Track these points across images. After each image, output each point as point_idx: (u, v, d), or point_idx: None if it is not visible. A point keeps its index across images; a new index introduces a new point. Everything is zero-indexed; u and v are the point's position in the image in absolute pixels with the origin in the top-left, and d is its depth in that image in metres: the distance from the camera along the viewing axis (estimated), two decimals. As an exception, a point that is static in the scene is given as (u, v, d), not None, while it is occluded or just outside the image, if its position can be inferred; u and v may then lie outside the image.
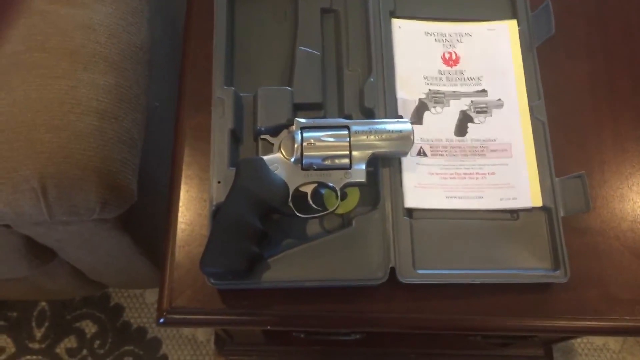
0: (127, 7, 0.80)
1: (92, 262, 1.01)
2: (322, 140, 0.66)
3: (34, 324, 1.37)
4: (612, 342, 1.39)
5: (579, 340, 1.37)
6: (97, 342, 1.36)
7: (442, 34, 0.78)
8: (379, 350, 1.10)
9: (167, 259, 0.69)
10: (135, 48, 0.79)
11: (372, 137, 0.67)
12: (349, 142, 0.66)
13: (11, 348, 1.34)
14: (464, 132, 0.74)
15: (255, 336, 1.05)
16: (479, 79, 0.77)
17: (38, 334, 1.36)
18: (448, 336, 1.05)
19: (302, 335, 0.90)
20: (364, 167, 0.67)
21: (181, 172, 0.73)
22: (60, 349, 1.35)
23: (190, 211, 0.71)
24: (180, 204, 0.72)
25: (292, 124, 0.68)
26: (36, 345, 1.35)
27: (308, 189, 0.67)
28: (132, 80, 0.77)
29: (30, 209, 0.70)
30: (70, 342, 1.36)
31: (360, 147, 0.67)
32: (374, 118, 0.71)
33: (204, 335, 1.37)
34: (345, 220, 0.70)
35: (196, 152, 0.74)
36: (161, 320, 0.68)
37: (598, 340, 1.39)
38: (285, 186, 0.66)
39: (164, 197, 0.73)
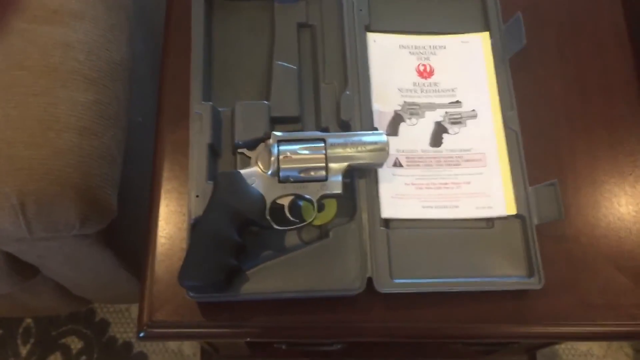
0: (106, 24, 0.80)
1: (76, 277, 1.01)
2: (299, 153, 0.67)
3: (19, 340, 1.36)
4: (597, 347, 1.40)
5: (562, 346, 1.38)
6: (83, 357, 1.36)
7: (416, 47, 0.80)
8: (363, 359, 1.10)
9: (146, 273, 0.70)
10: (115, 65, 0.80)
11: (348, 149, 0.68)
12: (325, 154, 0.67)
13: (-4, 366, 1.34)
14: (439, 142, 0.75)
15: (240, 348, 1.05)
16: (453, 90, 0.78)
17: (24, 350, 1.36)
18: (431, 344, 1.06)
19: (283, 347, 0.90)
20: (340, 178, 0.68)
21: (161, 186, 0.74)
22: (46, 366, 1.35)
23: (170, 225, 0.72)
24: (160, 218, 0.72)
25: (270, 138, 0.69)
26: (22, 363, 1.34)
27: (285, 202, 0.68)
28: (111, 96, 0.77)
29: (9, 225, 0.70)
30: (56, 358, 1.35)
31: (337, 159, 0.68)
32: (350, 130, 0.72)
33: (190, 348, 1.37)
34: (323, 232, 0.71)
35: (176, 167, 0.74)
36: (141, 334, 0.68)
37: (582, 346, 1.40)
38: (262, 199, 0.67)
39: (147, 212, 0.74)
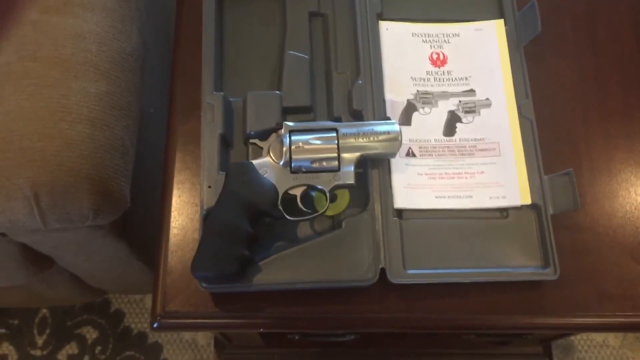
0: (118, 15, 0.80)
1: (90, 268, 1.02)
2: (311, 143, 0.67)
3: (35, 331, 1.38)
4: (612, 338, 1.39)
5: (578, 336, 1.37)
6: (98, 348, 1.37)
7: (429, 35, 0.79)
8: (376, 350, 1.10)
9: (160, 264, 0.70)
10: (126, 55, 0.79)
11: (360, 139, 0.67)
12: (337, 144, 0.67)
13: (13, 355, 1.35)
14: (452, 132, 0.75)
15: (253, 339, 1.05)
16: (466, 78, 0.77)
17: (40, 340, 1.37)
18: (444, 335, 1.05)
19: (296, 337, 0.90)
20: (352, 169, 0.67)
21: (173, 177, 0.74)
22: (61, 356, 1.36)
23: (182, 216, 0.72)
24: (173, 209, 0.72)
25: (281, 128, 0.69)
26: (38, 352, 1.36)
27: (297, 192, 0.67)
28: (123, 87, 0.77)
29: (24, 217, 0.70)
30: (72, 348, 1.37)
31: (349, 149, 0.67)
32: (362, 120, 0.72)
33: (204, 339, 1.37)
34: (336, 222, 0.70)
35: (188, 157, 0.74)
36: (155, 325, 0.68)
37: (598, 337, 1.39)
38: (274, 189, 0.67)
39: (159, 202, 0.74)
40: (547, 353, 1.18)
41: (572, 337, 1.37)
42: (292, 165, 0.67)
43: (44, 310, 1.39)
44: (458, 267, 0.68)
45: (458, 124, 0.75)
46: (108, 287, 1.21)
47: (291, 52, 0.76)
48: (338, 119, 0.73)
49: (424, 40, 0.79)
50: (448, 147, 0.74)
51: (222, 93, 0.72)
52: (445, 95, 0.76)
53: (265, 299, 0.68)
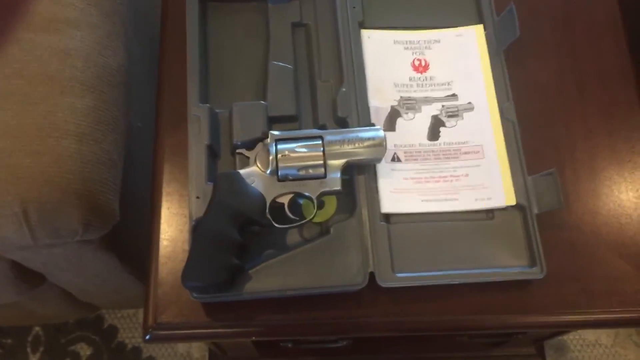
0: (103, 31, 0.81)
1: (81, 283, 1.02)
2: (296, 151, 0.68)
3: (29, 349, 1.37)
4: (604, 337, 1.40)
5: (570, 336, 1.38)
6: (93, 364, 1.36)
7: (410, 42, 0.80)
8: (370, 356, 1.10)
9: (150, 275, 0.70)
10: (112, 71, 0.80)
11: (345, 145, 0.68)
12: (323, 151, 0.68)
13: (7, 375, 1.35)
14: (436, 136, 0.76)
15: (247, 349, 1.05)
16: (449, 83, 0.78)
17: (33, 359, 1.36)
18: (438, 338, 1.06)
19: (289, 345, 0.90)
20: (339, 175, 0.68)
21: (161, 189, 0.74)
22: (56, 373, 1.35)
23: (171, 227, 0.72)
24: (162, 220, 0.73)
25: (267, 137, 0.69)
26: (32, 371, 1.35)
27: (285, 200, 0.68)
28: (109, 102, 0.78)
29: (13, 233, 0.71)
30: (66, 365, 1.36)
31: (335, 156, 0.68)
32: (347, 127, 0.73)
33: (198, 352, 1.37)
34: (324, 229, 0.71)
35: (175, 169, 0.75)
36: (147, 337, 0.69)
37: (590, 336, 1.39)
38: (262, 198, 0.67)
39: (148, 215, 0.74)
40: (540, 353, 1.19)
41: (565, 337, 1.38)
42: (279, 173, 0.67)
43: (37, 328, 1.38)
44: (446, 269, 0.69)
45: (442, 128, 0.76)
46: (100, 302, 1.21)
47: (275, 62, 0.77)
48: (323, 127, 0.74)
49: (406, 47, 0.80)
50: (433, 151, 0.75)
51: (208, 105, 0.73)
52: (428, 101, 0.77)
53: (257, 307, 0.68)
